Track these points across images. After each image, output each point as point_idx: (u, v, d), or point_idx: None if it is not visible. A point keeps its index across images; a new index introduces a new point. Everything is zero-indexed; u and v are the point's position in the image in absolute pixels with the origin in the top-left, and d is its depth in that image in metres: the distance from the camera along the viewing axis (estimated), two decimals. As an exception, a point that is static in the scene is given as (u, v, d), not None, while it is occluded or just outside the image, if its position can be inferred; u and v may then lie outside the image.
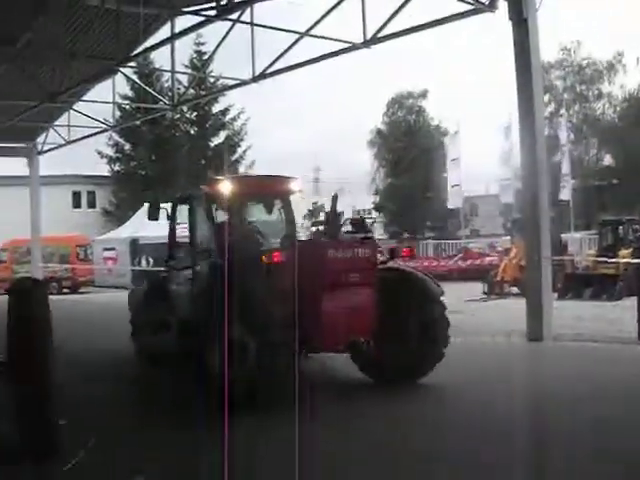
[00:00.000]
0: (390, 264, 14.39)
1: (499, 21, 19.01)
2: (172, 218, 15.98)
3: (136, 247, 49.34)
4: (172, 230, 16.10)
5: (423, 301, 13.50)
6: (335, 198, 14.54)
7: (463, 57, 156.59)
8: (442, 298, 13.77)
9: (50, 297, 9.77)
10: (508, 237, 38.46)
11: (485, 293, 31.68)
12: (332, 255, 12.84)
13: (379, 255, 14.10)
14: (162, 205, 16.12)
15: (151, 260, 50.54)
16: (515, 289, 30.58)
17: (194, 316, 13.15)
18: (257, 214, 15.89)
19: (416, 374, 13.65)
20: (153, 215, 15.93)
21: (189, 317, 13.47)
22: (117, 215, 62.80)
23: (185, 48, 58.43)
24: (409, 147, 66.42)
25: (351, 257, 13.04)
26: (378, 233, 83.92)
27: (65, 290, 46.68)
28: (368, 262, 13.26)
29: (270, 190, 15.68)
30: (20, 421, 8.95)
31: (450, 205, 55.74)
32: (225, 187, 13.91)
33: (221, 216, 14.40)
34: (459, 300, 29.01)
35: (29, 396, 8.72)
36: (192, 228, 15.07)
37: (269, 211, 15.75)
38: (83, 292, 47.64)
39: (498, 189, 54.97)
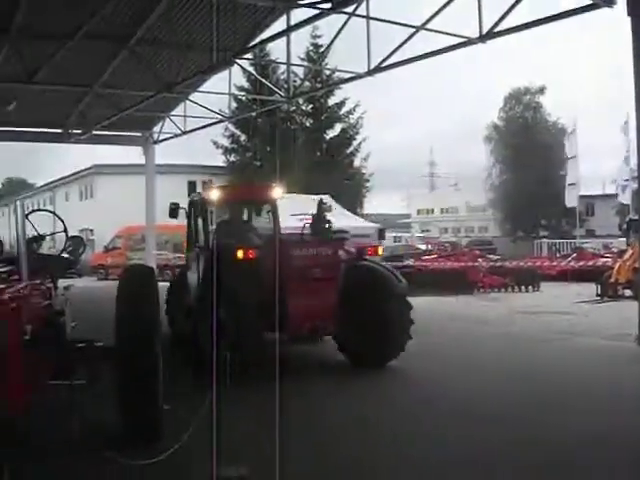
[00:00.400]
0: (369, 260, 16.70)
1: (619, 16, 18.54)
2: (189, 217, 18.64)
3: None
4: (189, 227, 18.84)
5: (383, 293, 15.47)
6: (320, 203, 17.93)
7: (581, 53, 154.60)
8: (404, 290, 15.82)
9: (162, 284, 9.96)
10: (623, 238, 37.61)
11: (599, 295, 30.99)
12: (298, 254, 15.41)
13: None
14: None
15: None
16: (629, 291, 29.82)
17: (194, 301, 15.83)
18: (244, 216, 19.02)
19: (385, 356, 15.55)
20: (173, 214, 18.74)
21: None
22: (231, 205, 63.31)
23: (302, 40, 58.79)
24: (526, 143, 65.57)
25: (314, 255, 15.60)
26: (492, 231, 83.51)
27: (177, 277, 47.28)
28: (331, 259, 15.72)
29: (252, 196, 18.77)
30: (125, 407, 9.03)
31: (567, 203, 54.85)
32: (214, 194, 16.92)
33: (217, 217, 18.37)
34: (571, 301, 28.60)
35: (136, 382, 8.79)
36: (195, 227, 18.23)
37: (258, 213, 18.84)
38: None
39: (615, 189, 53.93)
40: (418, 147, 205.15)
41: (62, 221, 11.74)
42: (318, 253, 15.75)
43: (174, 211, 18.58)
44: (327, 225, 17.51)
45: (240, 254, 14.45)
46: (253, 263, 14.36)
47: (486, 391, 12.89)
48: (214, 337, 8.55)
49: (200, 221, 17.67)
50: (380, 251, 17.76)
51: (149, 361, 8.92)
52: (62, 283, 11.02)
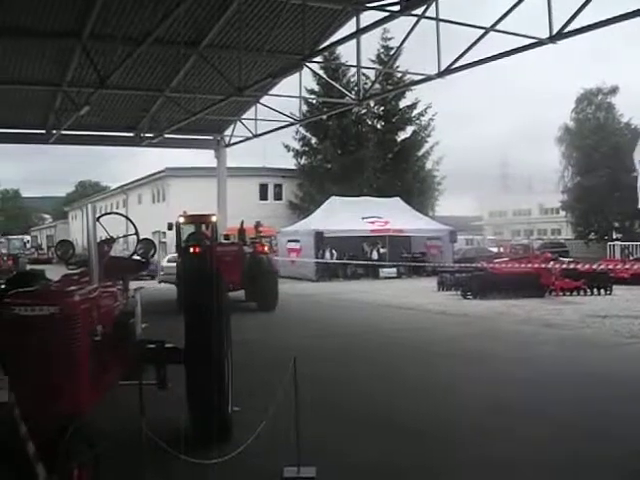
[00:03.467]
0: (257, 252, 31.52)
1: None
2: (177, 231, 32.88)
3: (321, 239, 49.79)
4: (178, 237, 32.77)
5: (262, 270, 29.31)
6: (242, 222, 33.71)
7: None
8: (273, 269, 31.14)
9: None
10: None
11: (672, 298, 30.49)
12: (220, 250, 29.77)
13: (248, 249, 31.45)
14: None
15: (335, 253, 50.93)
16: None
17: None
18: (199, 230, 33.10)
19: (264, 304, 28.93)
20: (169, 228, 34.06)
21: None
22: (302, 208, 63.58)
23: (372, 43, 58.88)
24: (598, 145, 64.67)
25: (229, 250, 30.38)
26: (565, 233, 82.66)
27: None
28: (237, 252, 30.40)
29: (201, 220, 33.26)
30: (194, 407, 9.14)
31: (640, 205, 53.82)
32: (182, 219, 32.85)
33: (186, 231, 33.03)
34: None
35: (205, 383, 8.88)
36: (177, 238, 32.96)
37: (206, 228, 33.14)
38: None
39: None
40: (490, 149, 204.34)
41: (133, 224, 11.89)
42: (231, 249, 30.83)
43: (170, 226, 33.80)
44: (244, 235, 33.49)
45: (191, 249, 28.89)
46: (201, 255, 27.90)
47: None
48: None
49: (177, 233, 32.80)
50: (266, 249, 32.42)
51: (217, 363, 9.00)
52: (133, 284, 11.17)
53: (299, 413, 8.34)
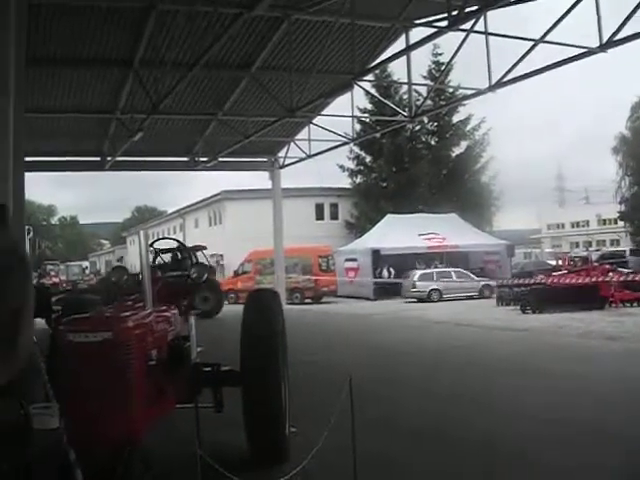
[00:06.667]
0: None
1: None
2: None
3: (378, 258, 49.73)
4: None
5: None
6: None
7: None
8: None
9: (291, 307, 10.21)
10: None
11: None
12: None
13: None
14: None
15: (392, 271, 50.77)
16: None
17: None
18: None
19: None
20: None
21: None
22: (358, 226, 63.51)
23: (423, 59, 58.80)
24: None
25: None
26: (623, 244, 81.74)
27: (307, 300, 47.49)
28: None
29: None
30: (251, 430, 9.12)
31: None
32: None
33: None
34: None
35: (261, 405, 8.87)
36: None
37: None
38: (325, 302, 48.31)
39: None
40: (546, 161, 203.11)
41: (186, 248, 11.97)
42: None
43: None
44: None
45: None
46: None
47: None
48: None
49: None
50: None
51: (274, 385, 9.00)
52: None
53: (355, 433, 8.28)
